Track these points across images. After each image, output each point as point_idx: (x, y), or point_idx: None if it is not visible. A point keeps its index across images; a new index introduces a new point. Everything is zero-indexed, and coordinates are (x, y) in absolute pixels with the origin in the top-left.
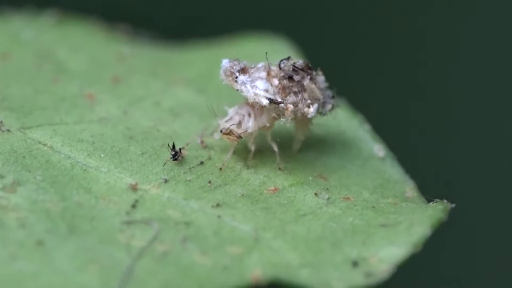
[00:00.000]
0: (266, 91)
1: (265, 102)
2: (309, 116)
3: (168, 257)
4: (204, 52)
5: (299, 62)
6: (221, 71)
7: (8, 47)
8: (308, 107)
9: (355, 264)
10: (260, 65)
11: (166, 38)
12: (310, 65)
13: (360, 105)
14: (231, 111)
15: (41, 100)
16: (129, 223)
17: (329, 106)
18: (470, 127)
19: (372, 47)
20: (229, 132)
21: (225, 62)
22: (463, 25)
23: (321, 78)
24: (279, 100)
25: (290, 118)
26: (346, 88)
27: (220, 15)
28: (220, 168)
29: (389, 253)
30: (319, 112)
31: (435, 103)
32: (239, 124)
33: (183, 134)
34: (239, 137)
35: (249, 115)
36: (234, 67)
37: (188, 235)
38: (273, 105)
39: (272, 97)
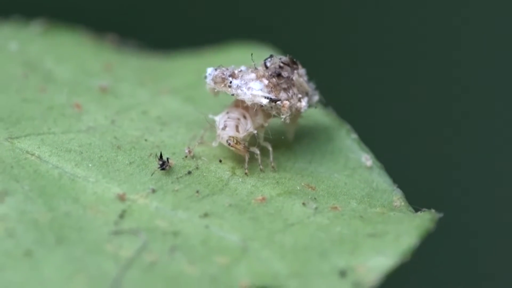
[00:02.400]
0: (262, 91)
1: (265, 101)
2: (302, 110)
3: (156, 267)
4: (191, 61)
5: (284, 58)
6: (209, 80)
7: None
8: (300, 101)
9: (342, 274)
10: (243, 68)
11: (153, 47)
12: (294, 59)
13: (348, 114)
14: (221, 119)
15: (28, 110)
16: (117, 233)
17: (316, 98)
18: (458, 136)
19: (360, 56)
20: (236, 142)
21: (211, 70)
22: (451, 33)
23: (303, 70)
24: (277, 97)
25: (288, 115)
26: (334, 97)
27: (207, 25)
28: (246, 173)
29: (377, 262)
30: (309, 104)
31: (423, 112)
32: (237, 129)
33: (171, 143)
34: (245, 145)
35: (244, 117)
36: (225, 72)
37: (176, 245)
38: (271, 104)
39: (270, 96)
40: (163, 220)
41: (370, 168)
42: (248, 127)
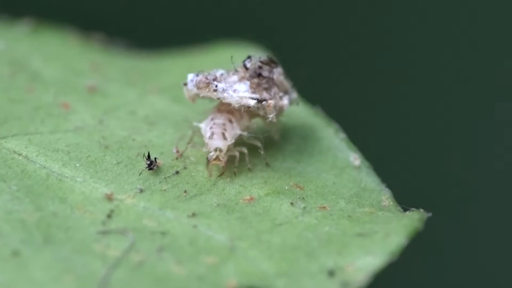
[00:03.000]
0: (248, 92)
1: (252, 102)
2: (285, 108)
3: (143, 267)
4: (179, 61)
5: (263, 57)
6: (191, 85)
7: None
8: (281, 99)
9: (331, 273)
10: (222, 71)
11: (140, 47)
12: (273, 58)
13: (336, 113)
14: (206, 127)
15: (16, 110)
16: (104, 233)
17: (294, 95)
18: (447, 136)
19: (348, 56)
20: (216, 157)
21: (193, 76)
22: (442, 33)
23: (280, 69)
24: (263, 98)
25: (274, 114)
26: (321, 96)
27: (194, 24)
28: (234, 173)
29: (366, 262)
30: (290, 102)
31: (411, 111)
32: (224, 136)
33: (159, 143)
34: (226, 161)
35: (230, 121)
36: (208, 77)
37: (164, 245)
38: (258, 105)
39: (257, 96)
40: (150, 220)
41: (359, 167)
42: (235, 131)
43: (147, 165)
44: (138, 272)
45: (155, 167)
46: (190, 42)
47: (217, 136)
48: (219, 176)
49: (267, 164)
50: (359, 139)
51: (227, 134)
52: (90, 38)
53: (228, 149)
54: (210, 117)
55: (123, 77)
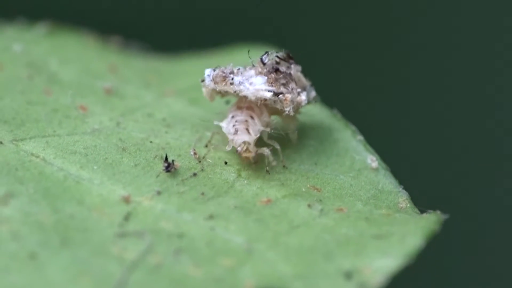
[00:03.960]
0: (264, 85)
1: (269, 95)
2: (302, 104)
3: (161, 269)
4: (196, 63)
5: (280, 53)
6: (208, 80)
7: (0, 58)
8: (299, 95)
9: (348, 275)
10: (240, 67)
11: (157, 49)
12: (290, 54)
13: (353, 115)
14: (228, 125)
15: (33, 112)
16: (121, 235)
17: (313, 93)
18: (464, 138)
19: (365, 57)
20: (246, 149)
21: (210, 71)
22: (452, 33)
23: (299, 67)
24: (280, 90)
25: (291, 108)
26: (338, 98)
27: (212, 26)
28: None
29: (383, 264)
30: (308, 99)
31: (429, 113)
32: (248, 132)
33: (176, 145)
34: (256, 153)
35: (252, 117)
36: (225, 71)
37: (181, 247)
38: (275, 97)
39: (273, 89)
40: (168, 222)
41: (376, 169)
42: (258, 127)
43: (164, 168)
44: (155, 275)
45: (172, 169)
46: (207, 45)
47: (241, 132)
48: (254, 163)
49: (285, 167)
50: (376, 141)
51: (251, 130)
52: (107, 40)
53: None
54: (230, 116)
55: (140, 79)
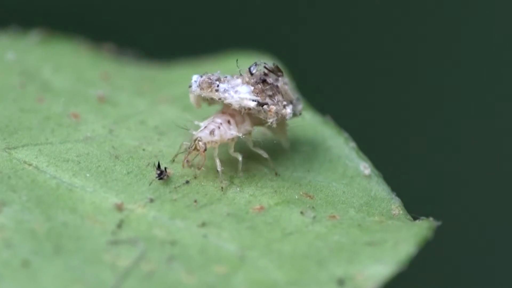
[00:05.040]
0: (249, 94)
1: (252, 104)
2: (287, 117)
3: (153, 276)
4: (189, 70)
5: (269, 64)
6: (194, 86)
7: None
8: (285, 108)
9: (341, 282)
10: (228, 76)
11: (150, 56)
12: (279, 66)
13: (346, 122)
14: (204, 123)
15: (26, 120)
16: (114, 243)
17: (299, 107)
18: (458, 145)
19: (358, 65)
20: (195, 147)
21: (197, 77)
22: (449, 40)
23: (287, 79)
24: (264, 101)
25: (274, 119)
26: (331, 105)
27: (204, 34)
28: (222, 188)
29: (375, 271)
30: (293, 112)
31: (421, 120)
32: (211, 133)
33: (169, 153)
34: (204, 155)
35: (229, 122)
36: (211, 77)
37: (174, 254)
38: (259, 108)
39: (258, 98)
40: (161, 229)
41: (369, 176)
42: (231, 132)
43: (157, 175)
44: (148, 282)
45: (165, 177)
46: (200, 52)
47: (206, 130)
48: (198, 169)
49: (277, 174)
50: (369, 148)
51: (216, 132)
52: (100, 48)
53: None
54: (212, 117)
55: (133, 86)
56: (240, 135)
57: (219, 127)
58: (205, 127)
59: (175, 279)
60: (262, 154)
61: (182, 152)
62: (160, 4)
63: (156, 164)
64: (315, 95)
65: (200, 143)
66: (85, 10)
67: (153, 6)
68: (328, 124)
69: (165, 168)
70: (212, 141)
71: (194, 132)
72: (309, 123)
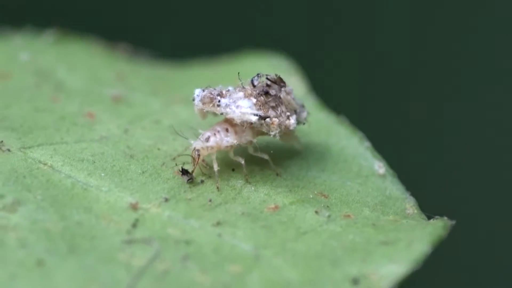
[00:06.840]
0: (251, 108)
1: (254, 119)
2: (291, 127)
3: (168, 276)
4: (203, 71)
5: (271, 76)
6: (197, 101)
7: (8, 66)
8: (288, 119)
9: (355, 281)
10: (230, 88)
11: (165, 57)
12: (281, 77)
13: (360, 122)
14: (205, 131)
15: (41, 120)
16: (129, 242)
17: (304, 114)
18: (471, 144)
19: (372, 64)
20: (198, 155)
21: (199, 92)
22: (461, 41)
23: (290, 88)
24: (266, 115)
25: (278, 132)
26: (346, 105)
27: (219, 34)
28: (217, 188)
29: (389, 270)
30: (297, 122)
31: (437, 120)
32: (207, 139)
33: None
34: (198, 155)
35: (227, 130)
36: (213, 92)
37: (188, 253)
38: (261, 121)
39: (259, 113)
40: (175, 228)
41: (383, 176)
42: (227, 139)
43: (186, 180)
44: (162, 281)
45: (193, 178)
46: (215, 52)
47: (202, 137)
48: (192, 172)
49: (278, 175)
50: (383, 147)
51: (212, 138)
52: (115, 48)
53: (209, 152)
54: (214, 125)
55: (148, 86)
56: (236, 143)
57: (215, 134)
58: (202, 134)
59: (190, 278)
60: (263, 157)
61: (182, 154)
62: (175, 4)
63: (180, 169)
64: (329, 95)
65: (195, 151)
66: (100, 10)
67: (168, 6)
68: (343, 123)
69: (192, 171)
70: (207, 147)
71: (191, 141)
72: (324, 122)
